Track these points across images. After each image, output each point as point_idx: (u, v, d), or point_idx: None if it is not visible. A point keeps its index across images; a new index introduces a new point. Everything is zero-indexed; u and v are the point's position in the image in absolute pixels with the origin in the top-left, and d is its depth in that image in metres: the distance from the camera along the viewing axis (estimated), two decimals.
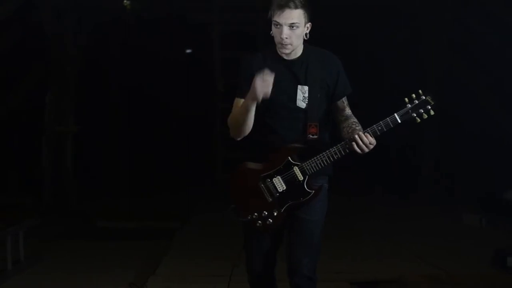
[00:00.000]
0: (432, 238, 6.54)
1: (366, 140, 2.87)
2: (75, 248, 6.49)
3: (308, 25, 3.02)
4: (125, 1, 8.86)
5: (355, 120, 3.06)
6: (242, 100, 3.02)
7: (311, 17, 3.02)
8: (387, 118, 2.92)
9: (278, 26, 2.94)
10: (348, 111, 3.11)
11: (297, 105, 3.03)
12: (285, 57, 3.05)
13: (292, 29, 2.93)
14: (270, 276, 3.30)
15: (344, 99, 3.13)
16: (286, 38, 2.94)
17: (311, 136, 3.02)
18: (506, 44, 8.04)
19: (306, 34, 3.03)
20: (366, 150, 2.89)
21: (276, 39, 2.99)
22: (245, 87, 3.00)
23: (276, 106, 3.03)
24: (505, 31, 7.92)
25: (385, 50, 10.06)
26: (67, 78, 8.60)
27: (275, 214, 3.04)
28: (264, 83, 2.84)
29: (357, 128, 2.98)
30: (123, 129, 11.09)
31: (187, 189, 9.80)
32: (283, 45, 2.97)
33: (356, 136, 2.88)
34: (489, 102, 8.97)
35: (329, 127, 3.14)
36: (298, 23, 2.93)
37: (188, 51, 11.45)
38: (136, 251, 6.35)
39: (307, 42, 3.11)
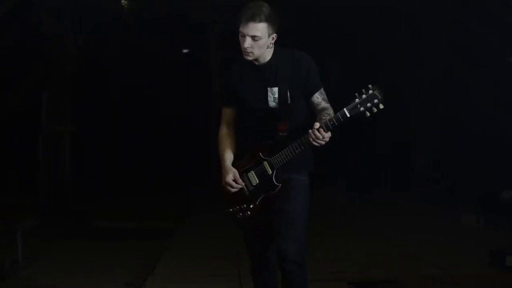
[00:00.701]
0: (431, 238, 6.53)
1: (318, 135, 3.01)
2: (75, 248, 6.49)
3: (274, 35, 3.21)
4: (123, 1, 8.86)
5: (328, 111, 3.20)
6: (227, 109, 3.42)
7: (277, 29, 3.21)
8: (338, 113, 3.03)
9: (242, 36, 3.17)
10: (323, 104, 3.26)
11: (269, 105, 3.26)
12: (256, 63, 3.28)
13: (255, 41, 3.16)
14: (268, 263, 3.46)
15: (318, 94, 3.28)
16: (248, 47, 3.17)
17: (281, 134, 3.21)
18: (506, 44, 8.03)
19: (270, 44, 3.23)
20: (322, 143, 3.04)
21: (241, 46, 3.22)
22: (226, 97, 3.39)
23: (251, 108, 3.30)
24: (505, 31, 7.91)
25: (385, 50, 10.06)
26: (67, 78, 8.61)
27: (251, 206, 3.28)
28: (234, 185, 3.28)
29: (322, 118, 3.13)
30: (123, 129, 11.09)
31: (187, 189, 9.81)
32: (245, 53, 3.21)
33: (310, 131, 3.03)
34: (489, 102, 8.97)
35: (306, 123, 3.25)
36: (260, 36, 3.15)
37: (188, 51, 11.46)
38: (136, 251, 6.35)
39: (276, 44, 3.28)
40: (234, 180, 3.28)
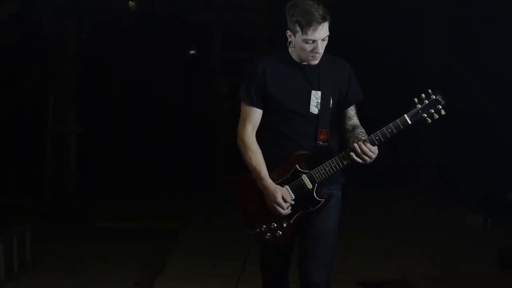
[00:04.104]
0: (433, 238, 6.53)
1: (365, 149, 2.80)
2: (75, 248, 6.49)
3: None
4: (130, 2, 8.89)
5: (362, 130, 2.96)
6: (251, 108, 2.98)
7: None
8: (397, 120, 2.83)
9: (312, 42, 2.84)
10: (355, 120, 3.03)
11: (310, 110, 2.95)
12: (302, 63, 2.98)
13: (324, 41, 2.89)
14: (284, 282, 3.23)
15: (353, 107, 3.05)
16: (322, 50, 2.89)
17: (321, 143, 2.94)
18: (506, 44, 8.03)
19: None
20: (368, 160, 2.82)
21: (305, 53, 2.89)
22: (253, 93, 2.97)
23: (290, 111, 2.96)
24: (505, 31, 7.91)
25: (385, 50, 10.06)
26: (67, 78, 8.60)
27: (285, 225, 2.95)
28: (285, 206, 2.88)
29: (362, 138, 2.87)
30: (123, 129, 11.08)
31: (187, 189, 9.81)
32: (315, 58, 2.91)
33: (356, 145, 2.81)
34: (489, 102, 8.97)
35: (339, 135, 3.06)
36: (328, 34, 2.88)
37: (189, 51, 11.46)
38: (136, 251, 6.35)
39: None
40: (284, 200, 2.88)
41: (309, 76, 2.96)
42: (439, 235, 6.72)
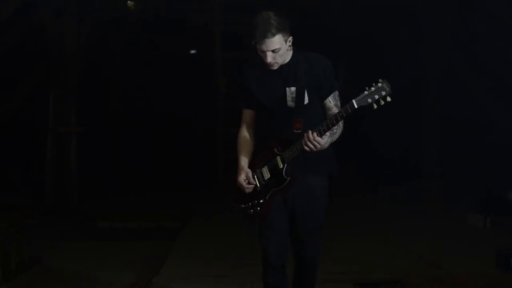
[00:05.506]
0: (436, 238, 6.54)
1: (311, 137, 3.11)
2: (75, 248, 6.49)
3: (289, 39, 3.27)
4: (129, 2, 8.90)
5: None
6: (247, 110, 3.52)
7: (290, 31, 3.26)
8: (346, 105, 3.08)
9: (262, 52, 3.24)
10: (334, 110, 3.33)
11: (287, 105, 3.33)
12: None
13: (275, 53, 3.23)
14: (281, 266, 3.50)
15: (331, 99, 3.36)
16: (271, 61, 3.27)
17: (296, 131, 3.27)
18: (507, 44, 8.04)
19: (289, 47, 3.30)
20: (314, 148, 3.13)
21: (263, 60, 3.29)
22: (245, 99, 3.49)
23: (270, 108, 3.38)
24: (506, 31, 7.92)
25: (385, 50, 10.06)
26: (68, 78, 8.61)
27: (261, 201, 3.37)
28: (245, 185, 3.38)
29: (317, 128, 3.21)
30: (124, 129, 11.09)
31: (187, 189, 9.82)
32: (270, 65, 3.30)
33: (305, 135, 3.13)
34: (490, 102, 8.96)
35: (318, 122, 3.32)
36: (279, 47, 3.21)
37: (189, 51, 11.47)
38: (137, 251, 6.35)
39: (297, 46, 3.39)
40: (247, 180, 3.38)
41: (284, 75, 3.34)
42: (438, 235, 6.72)
